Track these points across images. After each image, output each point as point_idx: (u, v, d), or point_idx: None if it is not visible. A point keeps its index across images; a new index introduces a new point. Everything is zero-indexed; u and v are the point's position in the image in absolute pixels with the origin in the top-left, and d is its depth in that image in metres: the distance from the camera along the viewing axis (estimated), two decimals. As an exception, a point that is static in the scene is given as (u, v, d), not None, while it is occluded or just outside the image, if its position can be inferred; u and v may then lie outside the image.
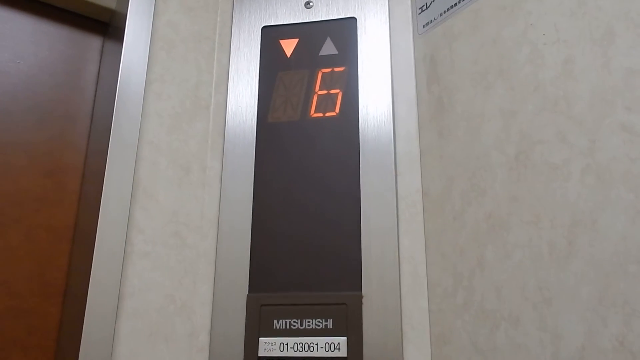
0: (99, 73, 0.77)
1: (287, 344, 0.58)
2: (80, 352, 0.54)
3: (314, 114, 0.66)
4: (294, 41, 0.69)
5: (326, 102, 0.66)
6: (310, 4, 0.70)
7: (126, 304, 0.58)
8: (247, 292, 0.60)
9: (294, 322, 0.58)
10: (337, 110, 0.65)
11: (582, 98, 0.46)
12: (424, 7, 0.67)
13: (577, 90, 0.47)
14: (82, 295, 0.57)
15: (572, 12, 0.49)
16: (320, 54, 0.68)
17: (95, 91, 0.76)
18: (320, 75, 0.67)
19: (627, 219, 0.41)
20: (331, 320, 0.58)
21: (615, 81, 0.44)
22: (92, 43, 0.78)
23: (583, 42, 0.47)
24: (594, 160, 0.44)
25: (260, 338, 0.58)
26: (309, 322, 0.58)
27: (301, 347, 0.57)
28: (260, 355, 0.58)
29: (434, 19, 0.65)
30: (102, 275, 0.57)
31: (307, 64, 0.68)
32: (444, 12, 0.64)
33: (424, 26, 0.67)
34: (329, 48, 0.68)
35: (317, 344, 0.57)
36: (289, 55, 0.69)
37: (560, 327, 0.45)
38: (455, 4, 0.62)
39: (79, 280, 0.62)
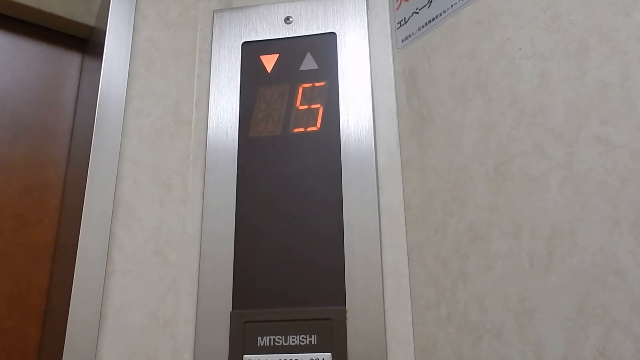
0: (78, 90, 0.77)
1: (271, 361, 0.57)
2: (60, 374, 0.53)
3: (295, 128, 0.66)
4: (274, 56, 0.70)
5: (307, 117, 0.66)
6: (290, 19, 0.71)
7: (108, 323, 0.58)
8: (230, 309, 0.60)
9: (278, 338, 0.58)
10: (318, 124, 0.65)
11: (558, 111, 0.47)
12: (403, 22, 0.68)
13: (553, 103, 0.48)
14: (62, 315, 0.56)
15: (547, 26, 0.50)
16: (300, 69, 0.68)
17: (75, 108, 0.76)
18: (301, 90, 0.67)
19: (604, 230, 0.42)
20: (315, 336, 0.57)
21: (589, 94, 0.45)
22: (71, 60, 0.78)
23: (558, 56, 0.48)
24: (571, 172, 0.45)
25: (245, 355, 0.58)
26: (293, 338, 0.58)
27: (286, 363, 0.57)
28: (244, 372, 0.57)
29: (413, 33, 0.66)
30: (83, 294, 0.56)
31: (287, 79, 0.68)
32: (422, 26, 0.65)
33: (402, 40, 0.67)
34: (309, 63, 0.68)
35: (301, 360, 0.57)
36: (269, 71, 0.69)
37: (541, 338, 0.45)
38: (433, 19, 0.63)
39: (59, 300, 0.61)
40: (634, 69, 0.42)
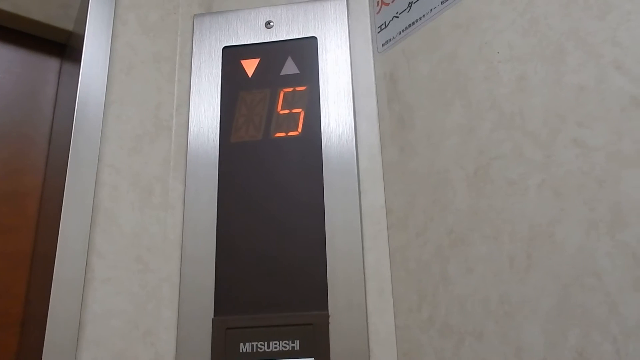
0: (56, 95, 0.76)
1: (254, 367, 0.57)
2: (38, 384, 0.52)
3: (276, 133, 0.66)
4: (255, 61, 0.69)
5: (288, 121, 0.66)
6: (271, 23, 0.71)
7: (87, 331, 0.57)
8: (212, 316, 0.59)
9: (261, 344, 0.57)
10: (299, 129, 0.65)
11: (536, 114, 0.48)
12: (383, 26, 0.68)
13: (531, 106, 0.48)
14: (40, 324, 0.55)
15: (524, 30, 0.50)
16: (281, 74, 0.68)
17: (53, 114, 0.75)
18: (282, 94, 0.67)
19: (582, 232, 0.42)
20: (298, 341, 0.57)
21: (566, 97, 0.45)
22: (49, 65, 0.77)
23: (535, 60, 0.49)
24: (549, 175, 0.45)
25: (227, 362, 0.57)
26: (275, 344, 0.57)
27: (268, 369, 0.57)
28: (227, 379, 0.57)
29: (393, 37, 0.66)
30: (61, 302, 0.55)
31: (268, 84, 0.68)
32: (402, 30, 0.65)
33: (383, 44, 0.68)
34: (290, 67, 0.68)
35: (284, 366, 0.57)
36: (250, 75, 0.69)
37: (522, 340, 0.45)
38: (413, 23, 0.63)
39: (37, 309, 0.60)
40: (608, 72, 0.43)
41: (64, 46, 0.78)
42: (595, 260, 0.41)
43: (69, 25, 0.74)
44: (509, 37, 0.52)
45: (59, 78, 0.77)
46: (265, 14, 0.71)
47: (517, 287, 0.46)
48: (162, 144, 0.68)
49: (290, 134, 0.65)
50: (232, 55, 0.70)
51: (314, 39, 0.69)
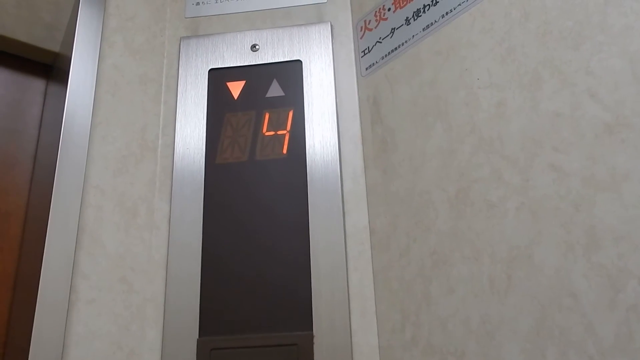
0: (42, 116, 0.76)
1: (238, 388, 0.57)
2: (21, 408, 0.51)
3: (261, 155, 0.66)
4: (241, 83, 0.70)
5: (274, 143, 0.67)
6: (257, 47, 0.72)
7: (71, 353, 0.56)
8: (197, 337, 0.59)
9: (245, 365, 0.58)
10: (284, 151, 0.66)
11: (514, 139, 0.49)
12: (366, 51, 0.70)
13: (510, 131, 0.50)
14: (24, 347, 0.55)
15: (502, 58, 0.52)
16: (266, 96, 0.69)
17: (39, 134, 0.75)
18: (267, 116, 0.68)
19: (559, 253, 0.44)
20: (282, 362, 0.58)
21: (543, 123, 0.47)
22: (35, 86, 0.77)
23: (513, 87, 0.50)
24: (527, 198, 0.47)
25: (211, 383, 0.57)
26: (260, 364, 0.58)
27: (253, 390, 0.57)
28: (211, 400, 0.57)
29: (376, 62, 0.68)
30: (45, 324, 0.55)
31: (254, 106, 0.69)
32: (385, 55, 0.66)
33: (366, 68, 0.69)
34: (275, 90, 0.69)
35: (269, 386, 0.57)
36: (236, 97, 0.70)
37: (502, 359, 0.46)
38: (396, 49, 0.65)
39: (20, 331, 0.59)
40: (582, 100, 0.44)
41: (50, 67, 0.78)
42: (572, 282, 0.43)
43: (55, 47, 0.75)
44: (488, 65, 0.53)
45: (44, 99, 0.77)
46: (250, 38, 0.73)
47: (497, 307, 0.48)
48: (148, 165, 0.68)
49: (276, 155, 0.66)
50: (218, 78, 0.71)
51: (298, 62, 0.71)
